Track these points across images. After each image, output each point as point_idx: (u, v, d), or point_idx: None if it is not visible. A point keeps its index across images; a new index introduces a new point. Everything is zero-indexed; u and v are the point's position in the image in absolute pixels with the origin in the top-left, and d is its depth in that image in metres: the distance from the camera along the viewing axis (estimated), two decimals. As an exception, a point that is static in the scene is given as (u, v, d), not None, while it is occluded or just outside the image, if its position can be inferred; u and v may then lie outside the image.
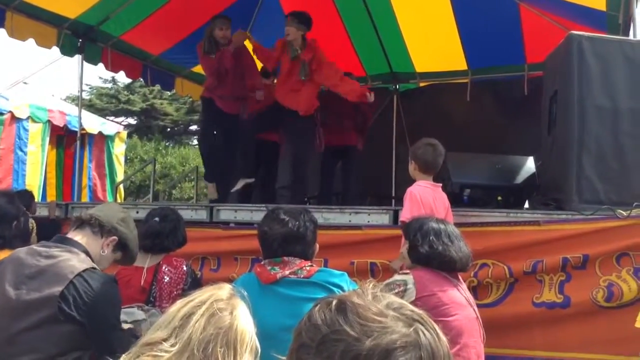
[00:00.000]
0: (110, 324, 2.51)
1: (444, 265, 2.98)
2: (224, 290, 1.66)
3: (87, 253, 2.61)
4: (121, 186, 11.36)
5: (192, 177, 16.00)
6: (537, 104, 6.24)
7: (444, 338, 0.99)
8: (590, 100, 4.52)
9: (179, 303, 1.63)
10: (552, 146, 5.05)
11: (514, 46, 7.67)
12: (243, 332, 1.60)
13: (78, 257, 2.53)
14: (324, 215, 4.98)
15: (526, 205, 5.26)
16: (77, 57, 7.34)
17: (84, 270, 2.45)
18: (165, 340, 1.56)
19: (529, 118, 7.38)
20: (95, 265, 2.57)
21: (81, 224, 2.70)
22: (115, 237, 2.73)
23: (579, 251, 4.17)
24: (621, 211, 4.11)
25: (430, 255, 2.98)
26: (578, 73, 4.54)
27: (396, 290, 2.81)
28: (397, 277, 2.95)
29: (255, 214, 5.19)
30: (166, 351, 1.54)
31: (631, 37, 5.46)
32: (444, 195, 4.34)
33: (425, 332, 0.96)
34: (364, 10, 7.83)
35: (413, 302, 2.74)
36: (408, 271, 2.98)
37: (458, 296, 2.91)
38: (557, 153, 4.91)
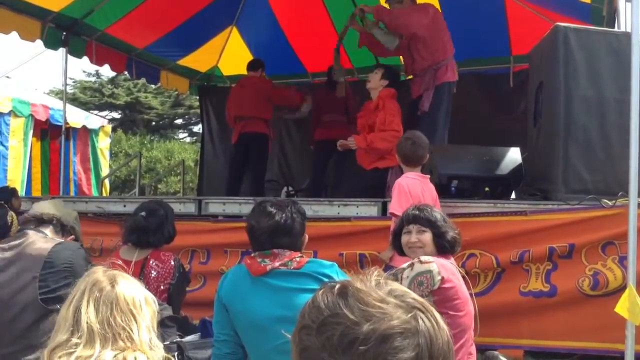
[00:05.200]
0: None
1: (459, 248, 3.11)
2: (97, 272, 1.79)
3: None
4: (106, 180, 11.27)
5: (178, 171, 15.92)
6: (523, 96, 6.26)
7: (444, 326, 0.99)
8: (576, 91, 4.56)
9: (65, 305, 1.75)
10: (538, 137, 5.09)
11: (499, 38, 7.71)
12: (131, 297, 1.73)
13: (44, 238, 2.75)
14: (312, 208, 4.99)
15: (513, 195, 5.29)
16: (61, 51, 7.25)
17: (54, 246, 2.66)
18: (68, 340, 1.67)
19: (516, 109, 7.45)
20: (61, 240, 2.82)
21: (42, 222, 2.88)
22: (73, 236, 3.00)
23: (565, 240, 4.22)
24: (606, 200, 4.16)
25: (457, 240, 3.02)
26: (564, 64, 4.58)
27: (425, 283, 2.75)
28: (420, 267, 2.81)
29: (243, 206, 5.18)
30: (75, 345, 1.65)
31: (615, 28, 5.52)
32: (432, 187, 4.37)
33: (425, 319, 0.97)
34: (350, 3, 7.80)
35: (433, 291, 2.75)
36: (432, 259, 2.84)
37: (466, 291, 2.93)
38: (543, 144, 4.94)
